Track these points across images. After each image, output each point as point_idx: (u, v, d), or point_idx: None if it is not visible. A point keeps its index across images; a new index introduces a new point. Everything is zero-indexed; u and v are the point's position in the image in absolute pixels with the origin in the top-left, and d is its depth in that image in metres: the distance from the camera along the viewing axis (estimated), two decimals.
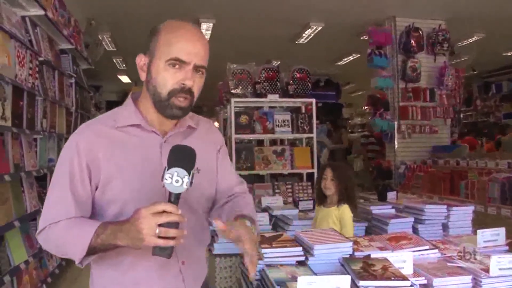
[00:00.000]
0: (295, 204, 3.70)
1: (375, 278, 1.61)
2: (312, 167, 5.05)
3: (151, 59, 1.51)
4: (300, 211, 3.51)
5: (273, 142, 5.69)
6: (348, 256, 1.99)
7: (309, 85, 5.16)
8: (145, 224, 1.26)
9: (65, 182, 1.46)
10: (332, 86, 12.09)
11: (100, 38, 8.15)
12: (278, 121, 4.93)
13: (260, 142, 5.66)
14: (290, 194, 5.02)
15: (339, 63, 11.16)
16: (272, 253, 2.07)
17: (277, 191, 4.99)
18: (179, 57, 1.46)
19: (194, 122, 1.66)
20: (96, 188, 1.48)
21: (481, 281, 1.93)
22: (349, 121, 17.01)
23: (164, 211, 1.27)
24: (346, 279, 1.56)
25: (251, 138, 5.29)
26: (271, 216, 3.33)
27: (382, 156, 7.99)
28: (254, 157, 4.96)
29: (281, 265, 2.01)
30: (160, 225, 1.26)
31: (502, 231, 2.41)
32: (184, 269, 1.54)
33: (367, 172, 8.33)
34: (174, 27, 1.50)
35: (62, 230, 1.44)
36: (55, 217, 1.45)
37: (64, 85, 5.44)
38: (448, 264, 2.11)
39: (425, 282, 1.90)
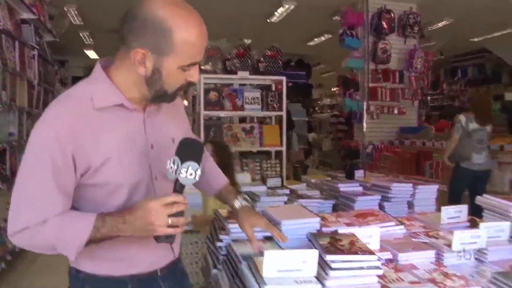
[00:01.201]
0: (263, 181, 3.68)
1: (342, 252, 1.61)
2: (281, 145, 5.04)
3: (158, 57, 1.37)
4: (268, 188, 3.50)
5: (242, 120, 5.65)
6: (315, 231, 1.99)
7: (280, 63, 5.13)
8: (158, 216, 1.28)
9: (46, 175, 1.33)
10: (303, 66, 12.07)
11: (65, 10, 7.86)
12: (248, 99, 4.88)
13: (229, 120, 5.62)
14: (258, 172, 5.01)
15: (310, 43, 11.14)
16: (239, 228, 2.04)
17: (245, 168, 4.97)
18: (195, 61, 1.42)
19: None
20: (82, 175, 1.40)
21: (443, 256, 1.96)
22: (319, 102, 17.09)
23: (174, 202, 1.30)
24: (314, 253, 1.55)
25: (220, 115, 5.23)
26: (238, 192, 3.30)
27: (350, 137, 8.08)
28: (223, 134, 4.92)
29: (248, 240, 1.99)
30: (170, 216, 1.30)
31: (464, 208, 2.46)
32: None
33: (336, 152, 8.40)
34: (187, 23, 1.35)
35: (52, 228, 1.34)
36: (40, 215, 1.34)
37: (26, 56, 5.22)
38: (413, 239, 2.14)
39: (390, 256, 1.92)
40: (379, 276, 1.69)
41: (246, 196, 1.86)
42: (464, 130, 5.12)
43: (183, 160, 1.33)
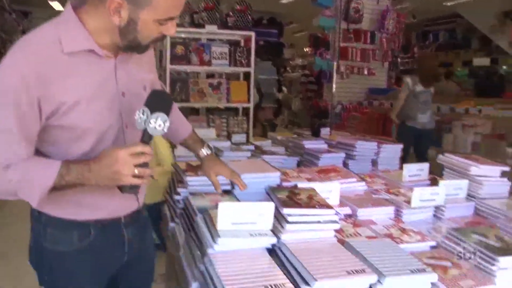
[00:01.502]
0: (229, 137, 3.62)
1: (299, 206, 1.57)
2: (248, 102, 4.96)
3: (134, 8, 1.31)
4: (232, 143, 3.45)
5: (210, 75, 5.51)
6: (275, 186, 1.95)
7: (249, 18, 4.98)
8: (124, 165, 1.27)
9: (9, 120, 1.27)
10: (275, 24, 11.81)
11: None
12: (216, 54, 4.74)
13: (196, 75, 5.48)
14: (225, 128, 4.94)
15: (283, 1, 10.89)
16: (196, 182, 1.99)
17: (212, 124, 4.89)
18: (173, 16, 1.36)
19: None
20: (48, 118, 1.33)
21: (402, 212, 1.96)
22: (291, 62, 16.93)
23: (142, 153, 1.29)
24: (269, 206, 1.51)
25: (186, 70, 5.09)
26: None
27: (320, 96, 8.04)
28: (189, 90, 4.79)
29: (206, 193, 1.94)
30: (136, 166, 1.28)
31: (426, 166, 2.47)
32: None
33: (305, 111, 8.38)
34: None
35: (15, 174, 1.29)
36: (3, 161, 1.29)
37: None
38: (374, 196, 2.13)
39: (349, 212, 1.90)
40: (336, 231, 1.66)
41: (211, 145, 1.81)
42: (410, 92, 5.40)
43: (152, 111, 1.32)
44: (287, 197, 1.65)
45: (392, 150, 3.14)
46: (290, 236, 1.49)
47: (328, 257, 1.37)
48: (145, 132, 1.34)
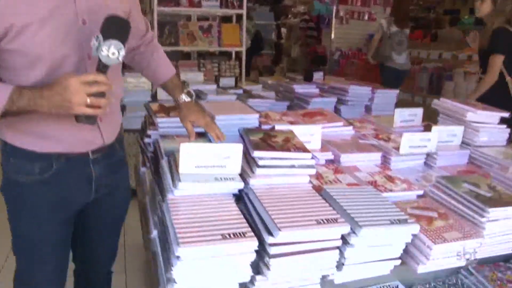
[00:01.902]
0: (216, 81, 3.43)
1: (273, 149, 1.42)
2: (241, 45, 4.72)
3: None
4: (220, 87, 3.27)
5: (200, 18, 5.24)
6: (251, 128, 1.79)
7: None
8: (76, 94, 1.20)
9: None
10: None
11: None
12: None
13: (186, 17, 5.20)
14: (216, 73, 4.72)
15: None
16: (167, 123, 1.84)
17: (202, 69, 4.67)
18: None
19: None
20: (1, 39, 1.24)
21: (390, 159, 1.82)
22: (292, 9, 16.38)
23: (95, 81, 1.22)
24: (237, 148, 1.36)
25: (175, 12, 4.81)
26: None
27: (319, 42, 7.75)
28: (178, 33, 4.54)
29: (178, 136, 1.79)
30: (90, 96, 1.22)
31: (419, 111, 2.30)
32: (102, 124, 1.45)
33: (304, 58, 8.11)
34: None
35: None
36: None
37: None
38: (361, 141, 1.98)
39: (331, 157, 1.75)
40: (316, 177, 1.53)
41: (191, 91, 1.64)
42: (385, 33, 5.48)
43: (105, 38, 1.23)
44: (260, 140, 1.50)
45: (387, 96, 2.97)
46: (260, 181, 1.35)
47: (299, 205, 1.23)
48: (100, 60, 1.25)
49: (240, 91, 3.12)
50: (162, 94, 2.83)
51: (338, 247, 1.15)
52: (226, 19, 5.25)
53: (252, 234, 1.08)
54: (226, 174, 1.34)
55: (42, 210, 1.44)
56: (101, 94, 1.24)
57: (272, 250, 1.07)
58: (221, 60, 4.91)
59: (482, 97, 3.55)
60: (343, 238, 1.16)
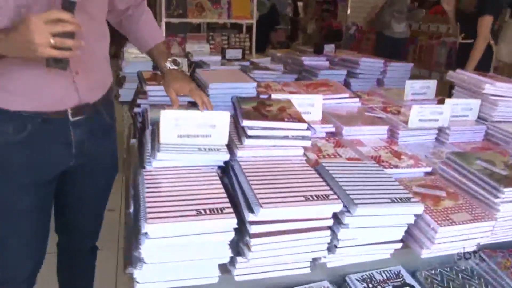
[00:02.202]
0: (222, 52, 3.29)
1: (265, 118, 1.29)
2: (251, 18, 4.55)
3: None
4: (224, 58, 3.14)
5: None
6: (245, 97, 1.65)
7: None
8: (37, 33, 1.10)
9: None
10: None
11: None
12: None
13: None
14: (226, 47, 4.57)
15: None
16: (158, 91, 1.71)
17: (211, 42, 4.53)
18: None
19: None
20: None
21: (398, 133, 1.67)
22: None
23: (58, 20, 1.11)
24: (224, 116, 1.24)
25: None
26: (190, 63, 2.93)
27: (335, 17, 7.49)
28: (186, 4, 4.39)
29: (169, 105, 1.66)
30: (55, 36, 1.11)
31: (432, 83, 2.14)
32: (78, 79, 1.35)
33: (319, 33, 7.88)
34: None
35: None
36: None
37: None
38: (367, 114, 1.83)
39: (333, 129, 1.62)
40: (313, 150, 1.40)
41: (178, 59, 1.51)
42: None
43: None
44: (253, 108, 1.37)
45: (401, 69, 2.83)
46: (249, 153, 1.22)
47: (288, 180, 1.10)
48: None
49: (247, 63, 2.99)
50: None
51: (329, 227, 1.02)
52: None
53: (231, 210, 0.96)
54: (211, 145, 1.22)
55: (17, 172, 1.36)
56: (68, 35, 1.13)
57: (253, 229, 0.95)
58: (231, 33, 4.75)
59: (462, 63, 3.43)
60: (336, 217, 1.03)
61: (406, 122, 1.70)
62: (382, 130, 1.66)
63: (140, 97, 1.75)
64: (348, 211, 1.03)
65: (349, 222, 1.03)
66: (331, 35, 6.90)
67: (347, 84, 2.64)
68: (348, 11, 6.29)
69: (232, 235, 0.95)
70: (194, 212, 0.94)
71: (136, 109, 1.74)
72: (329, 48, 3.40)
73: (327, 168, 1.20)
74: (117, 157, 1.63)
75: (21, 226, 1.40)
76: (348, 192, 1.08)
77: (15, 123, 1.32)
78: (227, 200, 1.01)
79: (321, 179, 1.13)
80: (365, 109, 1.88)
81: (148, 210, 0.94)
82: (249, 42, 4.66)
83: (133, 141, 1.78)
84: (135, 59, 3.21)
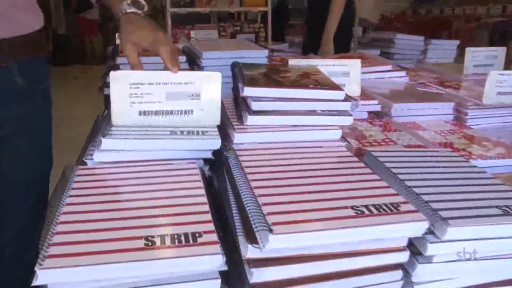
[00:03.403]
0: (233, 37, 2.85)
1: (278, 85, 0.83)
2: (265, 5, 4.09)
3: None
4: None
5: None
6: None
7: None
8: None
9: None
10: None
11: None
12: None
13: None
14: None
15: None
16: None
17: (223, 33, 4.09)
18: None
19: None
20: None
21: (467, 112, 1.18)
22: None
23: None
24: (211, 78, 0.77)
25: None
26: None
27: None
28: None
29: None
30: None
31: (501, 51, 1.64)
32: None
33: None
34: None
35: None
36: None
37: None
38: (419, 89, 1.35)
39: (378, 108, 1.14)
40: (352, 136, 0.93)
41: (144, 2, 1.02)
42: None
43: None
44: (261, 74, 0.90)
45: (445, 47, 2.34)
46: (253, 137, 0.76)
47: (320, 181, 0.63)
48: None
49: None
50: None
51: (400, 265, 0.55)
52: None
53: (215, 238, 0.49)
54: (193, 127, 0.76)
55: None
56: None
57: (256, 275, 0.48)
58: (244, 23, 4.30)
59: None
60: (410, 244, 0.56)
61: (477, 98, 1.21)
62: (446, 109, 1.17)
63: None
64: (432, 232, 0.55)
65: (434, 253, 0.56)
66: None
67: None
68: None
69: (217, 285, 0.49)
70: (143, 243, 0.48)
71: (106, 90, 1.29)
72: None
73: (380, 159, 0.73)
74: (48, 139, 1.19)
75: None
76: (424, 198, 0.60)
77: None
78: (210, 218, 0.54)
79: (375, 176, 0.66)
80: (416, 85, 1.40)
81: (54, 239, 0.48)
82: (265, 33, 4.20)
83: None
84: None
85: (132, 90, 0.75)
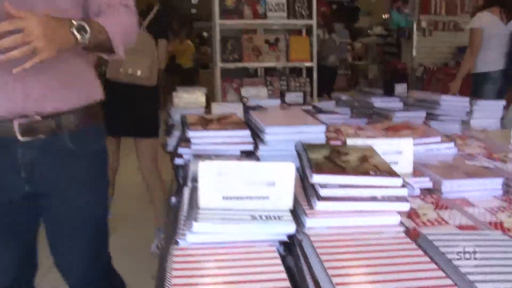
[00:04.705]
0: (282, 96, 3.00)
1: (342, 171, 0.94)
2: (311, 60, 4.26)
3: None
4: (285, 103, 2.83)
5: (266, 31, 4.86)
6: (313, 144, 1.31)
7: None
8: None
9: None
10: None
11: None
12: (272, 5, 4.09)
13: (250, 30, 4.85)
14: (285, 90, 4.30)
15: None
16: (203, 138, 1.40)
17: (269, 87, 4.27)
18: None
19: None
20: None
21: None
22: (369, 31, 15.77)
23: None
24: (285, 169, 0.89)
25: (239, 25, 4.47)
26: (245, 108, 2.65)
27: (399, 59, 7.11)
28: (242, 48, 4.19)
29: (217, 155, 1.35)
30: None
31: None
32: (24, 79, 1.17)
33: (382, 77, 7.50)
34: None
35: None
36: None
37: None
38: (468, 162, 1.43)
39: (429, 185, 1.23)
40: (406, 214, 1.02)
41: (87, 28, 1.19)
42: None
43: None
44: (325, 158, 1.02)
45: (491, 108, 2.40)
46: (322, 222, 0.87)
47: (384, 265, 0.73)
48: None
49: (309, 108, 2.68)
50: (217, 112, 2.45)
51: None
52: (295, 31, 4.84)
53: None
54: (270, 211, 0.88)
55: None
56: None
57: None
58: (290, 77, 4.48)
59: None
60: None
61: None
62: (494, 184, 1.25)
63: (182, 145, 1.45)
64: None
65: None
66: (396, 78, 6.51)
67: None
68: (414, 52, 5.90)
69: None
70: None
71: (177, 161, 1.44)
72: (400, 88, 3.02)
73: (436, 243, 0.82)
74: (102, 195, 1.44)
75: None
76: (478, 286, 0.69)
77: None
78: None
79: (431, 263, 0.75)
80: (464, 157, 1.48)
81: None
82: (310, 87, 4.36)
83: (173, 200, 1.47)
84: (186, 104, 2.99)
85: (218, 178, 0.88)
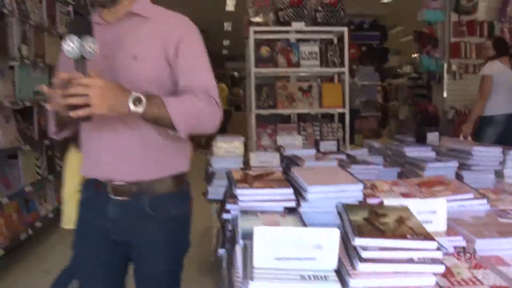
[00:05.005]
0: (316, 145, 3.12)
1: (381, 235, 1.04)
2: (343, 106, 4.39)
3: None
4: (320, 152, 2.95)
5: (299, 78, 5.04)
6: (353, 204, 1.41)
7: (342, 13, 4.41)
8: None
9: None
10: (377, 29, 11.00)
11: None
12: (305, 54, 4.27)
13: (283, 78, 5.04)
14: (318, 137, 4.42)
15: (385, 1, 10.08)
16: (250, 195, 1.52)
17: (303, 133, 4.41)
18: None
19: (147, 11, 1.53)
20: None
21: None
22: (398, 70, 15.88)
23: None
24: (332, 234, 1.00)
25: (273, 73, 4.66)
26: (282, 157, 2.77)
27: (429, 101, 7.17)
28: (276, 95, 4.36)
29: (263, 212, 1.47)
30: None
31: None
32: (105, 153, 1.51)
33: (413, 119, 7.55)
34: None
35: None
36: None
37: (57, 12, 4.86)
38: (501, 220, 1.50)
39: (463, 244, 1.31)
40: (440, 275, 1.10)
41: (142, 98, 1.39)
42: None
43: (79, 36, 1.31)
44: (365, 220, 1.12)
45: None
46: (366, 282, 0.96)
47: None
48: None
49: (343, 156, 2.78)
50: (255, 161, 2.58)
51: None
52: (327, 78, 5.01)
53: None
54: (317, 271, 0.98)
55: (79, 225, 1.61)
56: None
57: None
58: (323, 123, 4.62)
59: None
60: None
61: None
62: None
63: (229, 201, 1.57)
64: None
65: None
66: (427, 120, 6.56)
67: (459, 178, 2.31)
68: (445, 94, 5.95)
69: None
70: None
71: (225, 215, 1.56)
72: (432, 136, 3.10)
73: None
74: (177, 254, 1.62)
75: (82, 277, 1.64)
76: None
77: (84, 185, 1.62)
78: None
79: None
80: (497, 213, 1.55)
81: None
82: (342, 132, 4.48)
83: (222, 251, 1.58)
84: (225, 154, 3.14)
85: (272, 241, 0.99)
